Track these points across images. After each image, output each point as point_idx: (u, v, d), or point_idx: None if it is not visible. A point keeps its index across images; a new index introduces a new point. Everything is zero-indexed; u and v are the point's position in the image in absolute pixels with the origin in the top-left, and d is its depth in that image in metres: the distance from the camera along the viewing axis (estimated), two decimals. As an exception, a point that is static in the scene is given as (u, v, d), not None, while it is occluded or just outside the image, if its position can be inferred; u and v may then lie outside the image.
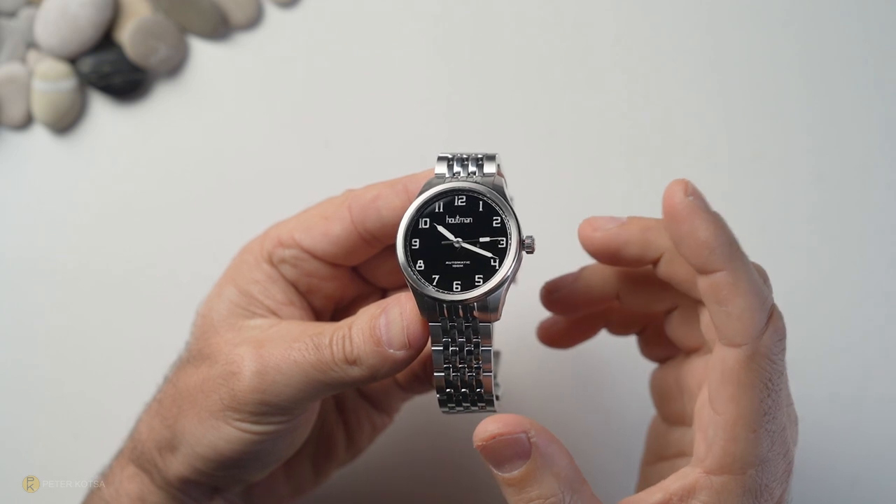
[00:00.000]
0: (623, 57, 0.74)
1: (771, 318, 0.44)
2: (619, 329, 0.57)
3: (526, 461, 0.44)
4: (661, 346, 0.55)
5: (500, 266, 0.46)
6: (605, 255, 0.50)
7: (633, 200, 0.72)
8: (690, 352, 0.52)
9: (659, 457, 0.54)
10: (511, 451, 0.44)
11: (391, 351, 0.47)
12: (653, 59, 0.73)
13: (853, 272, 0.70)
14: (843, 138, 0.72)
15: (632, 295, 0.53)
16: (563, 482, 0.44)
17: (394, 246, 0.46)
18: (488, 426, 0.44)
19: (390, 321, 0.47)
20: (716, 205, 0.70)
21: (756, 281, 0.44)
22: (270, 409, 0.49)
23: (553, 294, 0.54)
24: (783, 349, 0.45)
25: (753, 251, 0.69)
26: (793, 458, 0.47)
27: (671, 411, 0.54)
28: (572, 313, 0.56)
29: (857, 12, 0.73)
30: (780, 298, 0.69)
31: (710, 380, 0.45)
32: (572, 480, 0.45)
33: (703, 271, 0.44)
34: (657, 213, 0.70)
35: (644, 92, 0.73)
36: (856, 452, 0.68)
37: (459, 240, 0.46)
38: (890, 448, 0.68)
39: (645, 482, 0.53)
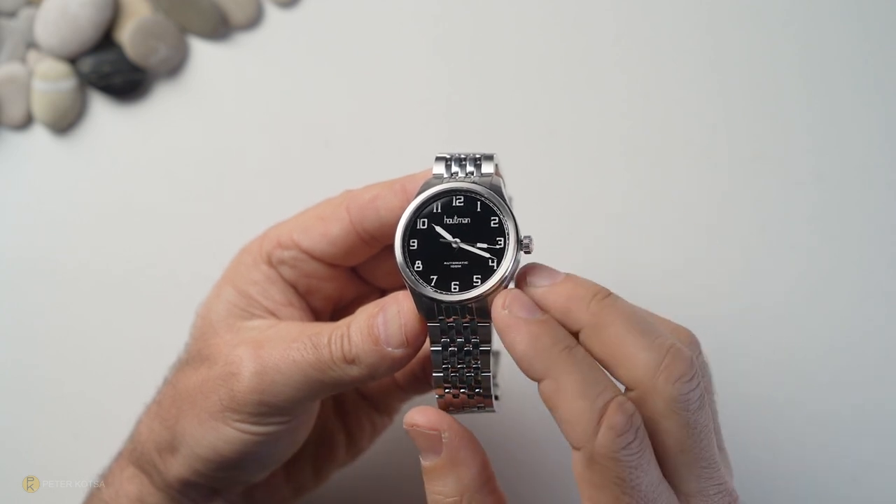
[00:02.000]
0: (623, 57, 0.74)
1: (604, 417, 0.42)
2: None
3: (438, 456, 0.46)
4: None
5: (498, 266, 0.46)
6: None
7: (633, 200, 0.72)
8: None
9: None
10: (426, 443, 0.46)
11: (389, 349, 0.47)
12: (653, 59, 0.73)
13: (853, 272, 0.70)
14: (843, 138, 0.71)
15: None
16: (465, 487, 0.45)
17: (392, 246, 0.47)
18: (414, 415, 0.46)
19: (388, 319, 0.47)
20: (716, 205, 0.71)
21: (585, 382, 0.43)
22: (270, 409, 0.49)
23: None
24: (630, 442, 0.42)
25: (753, 251, 0.70)
26: None
27: None
28: None
29: (857, 12, 0.73)
30: (780, 298, 0.70)
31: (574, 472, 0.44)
32: (475, 488, 0.45)
33: (532, 379, 0.44)
34: (656, 213, 0.71)
35: (644, 92, 0.73)
36: (856, 452, 0.68)
37: (457, 240, 0.46)
38: (890, 448, 0.68)
39: None
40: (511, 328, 0.44)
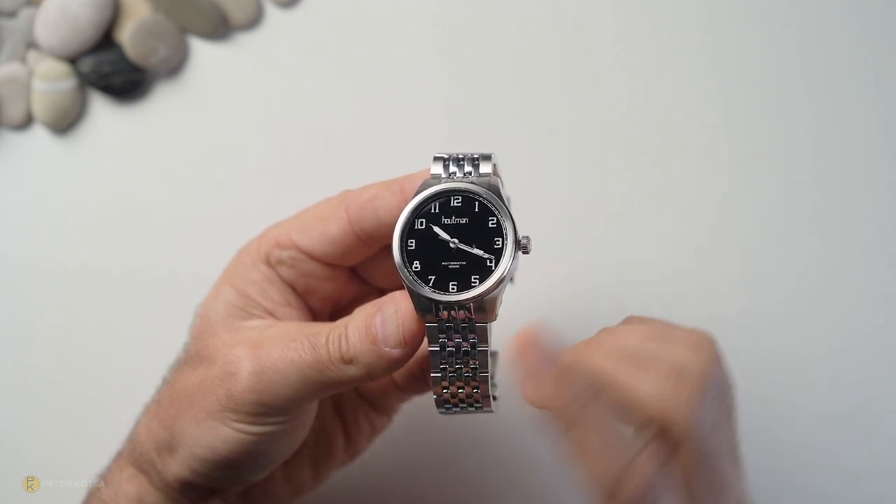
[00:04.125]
0: (623, 57, 0.73)
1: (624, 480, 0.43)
2: None
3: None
4: None
5: (496, 266, 0.46)
6: None
7: (633, 200, 0.72)
8: None
9: None
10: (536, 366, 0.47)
11: (387, 349, 0.47)
12: (653, 59, 0.73)
13: (853, 272, 0.70)
14: (843, 138, 0.71)
15: None
16: None
17: (391, 246, 0.47)
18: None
19: (386, 319, 0.47)
20: (716, 205, 0.71)
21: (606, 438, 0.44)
22: (268, 409, 0.49)
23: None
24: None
25: (753, 251, 0.70)
26: None
27: None
28: None
29: (857, 12, 0.73)
30: (780, 298, 0.70)
31: None
32: None
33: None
34: (656, 213, 0.71)
35: (644, 92, 0.73)
36: (856, 452, 0.68)
37: (455, 240, 0.46)
38: (890, 448, 0.68)
39: None
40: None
